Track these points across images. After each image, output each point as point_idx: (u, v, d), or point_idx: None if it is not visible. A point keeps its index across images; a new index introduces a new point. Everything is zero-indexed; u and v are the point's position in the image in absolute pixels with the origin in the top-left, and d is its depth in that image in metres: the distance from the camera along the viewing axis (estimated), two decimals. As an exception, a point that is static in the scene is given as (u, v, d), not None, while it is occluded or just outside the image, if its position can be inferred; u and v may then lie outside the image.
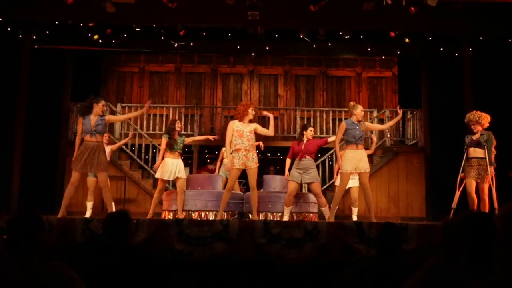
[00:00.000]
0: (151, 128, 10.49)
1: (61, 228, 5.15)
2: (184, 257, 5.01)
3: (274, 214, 7.22)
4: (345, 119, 7.21)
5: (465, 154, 6.52)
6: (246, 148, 6.44)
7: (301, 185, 10.18)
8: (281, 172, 11.22)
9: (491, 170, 6.25)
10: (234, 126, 6.55)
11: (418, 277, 2.21)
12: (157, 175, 7.23)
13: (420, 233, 5.18)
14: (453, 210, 6.38)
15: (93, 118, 6.40)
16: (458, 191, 6.50)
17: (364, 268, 2.83)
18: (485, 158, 6.27)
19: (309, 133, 7.09)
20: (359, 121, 6.45)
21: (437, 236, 2.43)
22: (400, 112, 6.74)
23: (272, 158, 11.76)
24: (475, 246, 2.02)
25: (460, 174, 6.54)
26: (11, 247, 2.19)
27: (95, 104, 6.43)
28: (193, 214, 7.20)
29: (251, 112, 6.59)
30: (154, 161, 9.77)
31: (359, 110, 6.46)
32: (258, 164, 6.56)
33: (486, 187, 6.27)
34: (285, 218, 6.79)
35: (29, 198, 8.30)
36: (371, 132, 9.14)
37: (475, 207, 6.20)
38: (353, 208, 7.65)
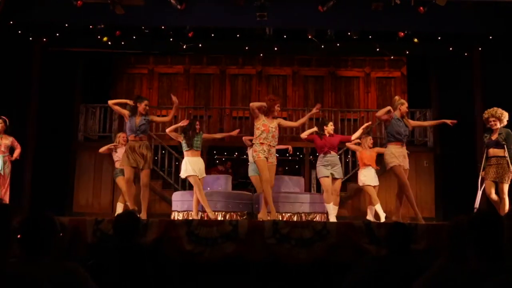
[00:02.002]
0: (160, 129, 10.54)
1: (72, 229, 5.20)
2: (194, 257, 5.03)
3: (283, 214, 7.22)
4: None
5: (485, 154, 6.45)
6: (271, 144, 6.39)
7: (309, 184, 10.14)
8: (290, 172, 11.24)
9: None
10: (262, 118, 6.44)
11: (427, 277, 2.22)
12: (182, 175, 7.07)
13: (429, 233, 5.16)
14: (476, 210, 6.29)
15: (137, 118, 6.49)
16: (480, 190, 6.43)
17: (375, 268, 2.84)
18: (505, 157, 6.17)
19: (330, 127, 6.98)
20: (403, 117, 6.41)
21: (446, 236, 2.43)
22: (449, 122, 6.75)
23: (281, 158, 11.75)
24: (484, 245, 2.02)
25: (481, 173, 6.45)
26: (25, 248, 2.22)
27: (138, 104, 6.51)
28: (202, 215, 7.22)
29: (276, 109, 6.50)
30: (163, 162, 9.84)
31: (404, 107, 6.41)
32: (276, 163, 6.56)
33: (505, 186, 6.15)
34: (332, 218, 6.72)
35: (41, 199, 8.39)
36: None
37: (499, 208, 6.11)
38: (374, 207, 7.41)
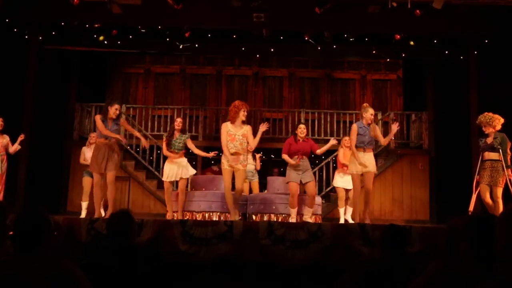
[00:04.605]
0: (155, 129, 10.52)
1: (67, 228, 5.18)
2: (189, 257, 5.03)
3: (278, 215, 7.22)
4: (355, 121, 7.13)
5: (480, 157, 6.48)
6: (238, 151, 6.31)
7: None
8: (284, 174, 11.22)
9: (508, 173, 6.16)
10: (227, 128, 6.36)
11: (422, 279, 2.22)
12: (163, 178, 7.18)
13: (424, 235, 5.18)
14: (470, 213, 6.31)
15: (109, 122, 6.35)
16: (475, 194, 6.45)
17: (369, 270, 2.83)
18: (499, 160, 6.19)
19: (298, 130, 6.68)
20: (368, 124, 6.42)
21: (441, 238, 2.43)
22: (395, 126, 6.69)
23: (276, 159, 11.75)
24: (480, 248, 2.02)
25: (476, 177, 6.48)
26: (18, 246, 2.20)
27: (109, 107, 6.36)
28: (197, 215, 7.21)
29: (242, 114, 6.34)
30: (158, 162, 9.82)
31: (368, 114, 6.42)
32: (245, 167, 6.49)
33: (499, 190, 6.17)
34: (292, 220, 6.70)
35: (35, 197, 8.34)
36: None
37: (493, 212, 6.12)
38: (347, 208, 7.50)
